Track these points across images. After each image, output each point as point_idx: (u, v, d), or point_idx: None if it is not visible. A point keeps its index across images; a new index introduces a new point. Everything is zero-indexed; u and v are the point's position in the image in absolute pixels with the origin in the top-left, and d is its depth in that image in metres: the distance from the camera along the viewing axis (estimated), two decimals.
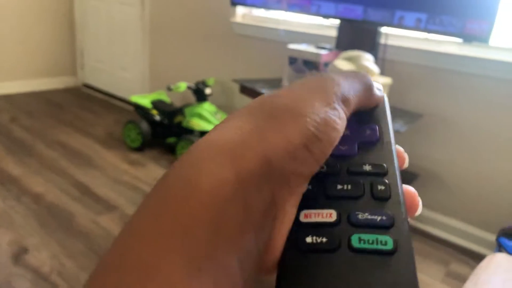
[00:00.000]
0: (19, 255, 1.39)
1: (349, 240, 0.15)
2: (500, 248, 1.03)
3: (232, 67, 2.38)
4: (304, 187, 0.17)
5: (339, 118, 0.17)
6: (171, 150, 2.28)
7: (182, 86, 2.19)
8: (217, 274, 0.13)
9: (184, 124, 2.21)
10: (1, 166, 2.00)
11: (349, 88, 0.19)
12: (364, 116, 0.20)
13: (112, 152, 2.28)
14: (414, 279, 0.14)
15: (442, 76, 1.66)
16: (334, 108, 0.17)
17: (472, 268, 0.85)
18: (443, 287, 1.44)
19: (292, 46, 1.68)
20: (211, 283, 0.13)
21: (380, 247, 0.15)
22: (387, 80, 1.55)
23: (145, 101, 2.32)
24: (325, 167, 0.18)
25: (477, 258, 1.59)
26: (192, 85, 2.25)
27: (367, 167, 0.18)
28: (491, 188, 1.61)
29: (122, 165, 2.13)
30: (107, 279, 0.12)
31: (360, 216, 0.16)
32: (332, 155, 0.18)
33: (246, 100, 1.89)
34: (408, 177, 1.62)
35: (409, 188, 0.18)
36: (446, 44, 1.68)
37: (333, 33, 1.79)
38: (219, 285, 0.13)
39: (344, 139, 0.19)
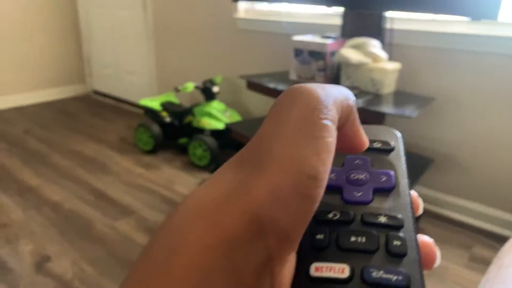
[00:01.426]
0: (41, 264, 1.42)
1: None
2: None
3: (238, 64, 2.37)
4: (303, 231, 0.16)
5: (327, 147, 0.16)
6: (183, 151, 2.29)
7: (190, 86, 2.19)
8: None
9: (195, 124, 2.21)
10: (20, 177, 2.04)
11: (332, 101, 0.17)
12: (379, 160, 0.20)
13: (125, 156, 2.29)
14: None
15: (452, 57, 1.62)
16: (321, 137, 0.16)
17: (497, 251, 0.83)
18: (468, 272, 1.41)
19: (297, 37, 1.66)
20: None
21: None
22: (396, 65, 1.53)
23: (154, 103, 2.33)
24: (338, 214, 0.18)
25: (501, 240, 1.56)
26: (200, 84, 2.24)
27: (383, 218, 0.17)
28: (509, 168, 1.57)
29: (136, 169, 2.14)
30: None
31: (374, 274, 0.15)
32: (345, 201, 0.18)
33: (253, 96, 1.88)
34: (423, 162, 1.59)
35: (425, 239, 0.17)
36: (454, 24, 1.64)
37: (338, 21, 1.76)
38: None
39: (358, 185, 0.19)
